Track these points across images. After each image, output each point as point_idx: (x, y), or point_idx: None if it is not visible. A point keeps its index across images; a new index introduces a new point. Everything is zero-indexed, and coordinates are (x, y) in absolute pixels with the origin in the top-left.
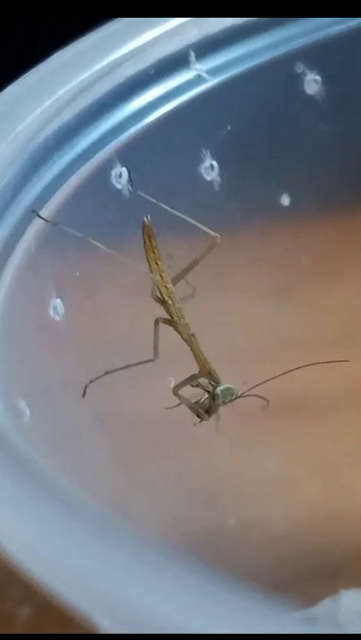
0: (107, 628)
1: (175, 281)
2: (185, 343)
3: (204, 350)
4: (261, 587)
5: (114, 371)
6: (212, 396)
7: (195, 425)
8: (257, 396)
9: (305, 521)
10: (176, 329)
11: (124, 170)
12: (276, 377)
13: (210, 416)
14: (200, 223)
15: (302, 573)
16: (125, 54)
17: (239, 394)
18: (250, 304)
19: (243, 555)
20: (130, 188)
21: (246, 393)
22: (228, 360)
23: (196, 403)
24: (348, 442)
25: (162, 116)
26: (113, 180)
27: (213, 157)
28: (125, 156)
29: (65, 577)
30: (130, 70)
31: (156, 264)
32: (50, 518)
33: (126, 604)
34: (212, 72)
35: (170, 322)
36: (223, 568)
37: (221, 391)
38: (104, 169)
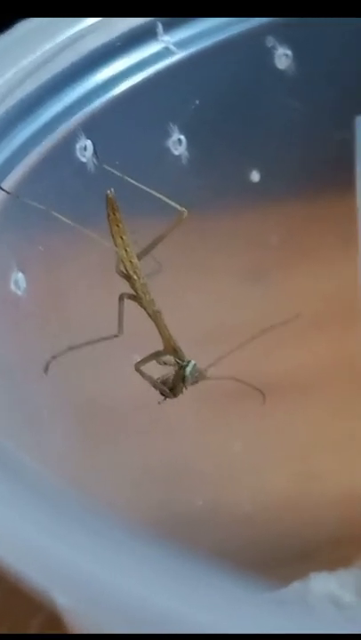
0: (65, 605)
1: (140, 256)
2: (150, 320)
3: (169, 328)
4: (229, 568)
5: (77, 347)
6: (182, 376)
7: (159, 403)
8: (228, 378)
9: (274, 504)
10: (141, 305)
11: (89, 143)
12: (231, 352)
13: (175, 395)
14: (167, 198)
15: (272, 556)
16: (91, 25)
17: (207, 375)
18: (218, 283)
19: (211, 537)
20: (95, 162)
21: (215, 375)
22: (195, 339)
23: (162, 381)
24: (318, 425)
25: (128, 88)
26: (78, 154)
27: (181, 132)
28: (91, 128)
29: (25, 555)
30: (96, 42)
31: (121, 238)
32: (9, 497)
33: (86, 581)
34: (180, 45)
35: (135, 297)
36: (189, 549)
37: (190, 371)
38: (68, 142)
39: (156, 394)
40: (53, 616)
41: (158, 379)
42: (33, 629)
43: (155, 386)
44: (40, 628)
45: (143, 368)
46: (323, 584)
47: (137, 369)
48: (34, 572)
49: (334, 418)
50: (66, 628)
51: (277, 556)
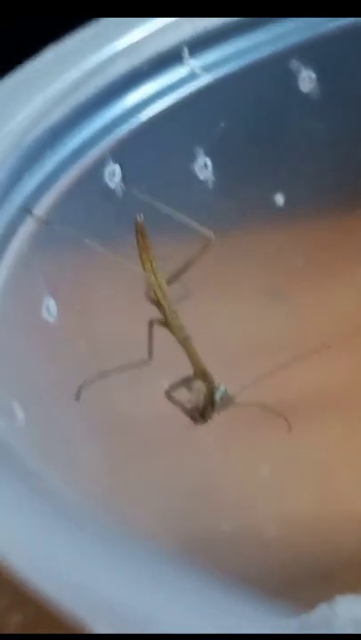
0: (98, 629)
1: (170, 282)
2: (179, 345)
3: (198, 352)
4: (255, 592)
5: (107, 373)
6: (211, 401)
7: (187, 428)
8: (256, 405)
9: (298, 526)
10: (170, 330)
11: (117, 168)
12: (260, 379)
13: (206, 420)
14: (194, 222)
15: (296, 579)
16: (119, 51)
17: (236, 400)
18: (244, 305)
19: (236, 559)
20: (123, 187)
21: (243, 401)
22: (224, 362)
23: (192, 407)
24: (342, 446)
25: (155, 113)
26: (106, 179)
27: (207, 155)
28: (118, 153)
29: (58, 582)
30: (123, 67)
31: (150, 264)
32: (44, 522)
33: (120, 608)
34: (206, 68)
35: (164, 323)
36: (217, 573)
37: (220, 396)
38: (97, 167)
39: (184, 418)
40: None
41: (188, 404)
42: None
43: (185, 411)
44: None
45: (173, 394)
46: (349, 608)
47: (167, 396)
48: (68, 600)
49: (357, 437)
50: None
51: (303, 577)
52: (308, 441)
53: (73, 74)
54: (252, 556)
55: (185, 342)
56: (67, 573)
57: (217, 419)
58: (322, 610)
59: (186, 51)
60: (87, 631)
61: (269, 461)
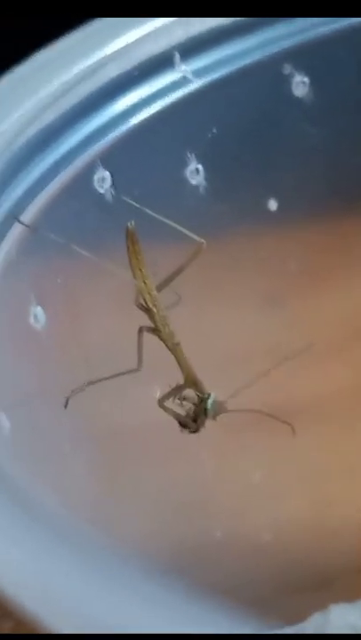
0: None
1: (160, 288)
2: (169, 352)
3: (189, 359)
4: (248, 598)
5: (96, 381)
6: (203, 409)
7: (181, 431)
8: (250, 410)
9: (292, 533)
10: (160, 337)
11: (107, 174)
12: (250, 384)
13: (198, 429)
14: (185, 228)
15: (290, 585)
16: (109, 55)
17: (228, 407)
18: (236, 311)
19: (229, 567)
20: (113, 193)
21: (237, 407)
22: (214, 369)
23: (185, 415)
24: (336, 452)
25: (146, 118)
26: (95, 185)
27: (199, 161)
28: (108, 159)
29: (41, 596)
30: (113, 71)
31: (140, 270)
32: (28, 535)
33: (105, 625)
34: (198, 73)
35: (154, 330)
36: (209, 580)
37: (211, 404)
38: (86, 173)
39: (175, 426)
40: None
41: (180, 412)
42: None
43: (178, 420)
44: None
45: (165, 402)
46: (342, 615)
47: (160, 405)
48: (47, 611)
49: (353, 443)
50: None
51: (297, 585)
52: (303, 447)
53: (63, 78)
54: (247, 562)
55: (175, 349)
56: (50, 588)
57: (209, 426)
58: (315, 619)
59: (177, 55)
60: None
61: (263, 468)
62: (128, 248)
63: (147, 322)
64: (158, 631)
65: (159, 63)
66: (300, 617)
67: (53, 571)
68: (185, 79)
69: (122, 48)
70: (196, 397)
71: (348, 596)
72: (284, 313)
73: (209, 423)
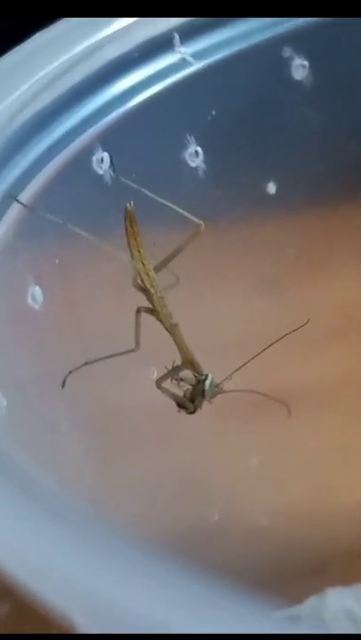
0: (84, 626)
1: (158, 269)
2: (167, 333)
3: (186, 340)
4: (245, 584)
5: (94, 361)
6: (200, 390)
7: (178, 411)
8: (249, 391)
9: (290, 517)
10: (158, 318)
11: (105, 155)
12: (244, 364)
13: (195, 410)
14: (184, 210)
15: (287, 570)
16: (108, 36)
17: (224, 388)
18: (234, 294)
19: (226, 551)
20: (112, 174)
21: (235, 388)
22: (212, 351)
23: (182, 396)
24: (335, 437)
25: (145, 100)
26: (94, 166)
27: (198, 143)
28: (107, 140)
29: (41, 574)
30: (113, 53)
31: (138, 251)
32: (25, 514)
33: (105, 603)
34: (197, 56)
35: (152, 311)
36: (206, 565)
37: (209, 386)
38: (85, 154)
39: (173, 407)
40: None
41: (178, 393)
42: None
43: (176, 401)
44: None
45: (163, 384)
46: (339, 599)
47: (158, 385)
48: (46, 589)
49: (350, 429)
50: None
51: (293, 569)
52: (301, 432)
53: (63, 59)
54: (244, 547)
55: (173, 330)
56: (49, 566)
57: (207, 408)
58: (311, 602)
59: (177, 37)
60: (69, 622)
61: (261, 452)
62: (126, 229)
63: (145, 302)
64: (158, 609)
65: (159, 45)
66: (297, 601)
67: (52, 550)
68: (184, 61)
69: (121, 29)
70: (194, 378)
71: (345, 580)
72: (282, 297)
73: (207, 406)
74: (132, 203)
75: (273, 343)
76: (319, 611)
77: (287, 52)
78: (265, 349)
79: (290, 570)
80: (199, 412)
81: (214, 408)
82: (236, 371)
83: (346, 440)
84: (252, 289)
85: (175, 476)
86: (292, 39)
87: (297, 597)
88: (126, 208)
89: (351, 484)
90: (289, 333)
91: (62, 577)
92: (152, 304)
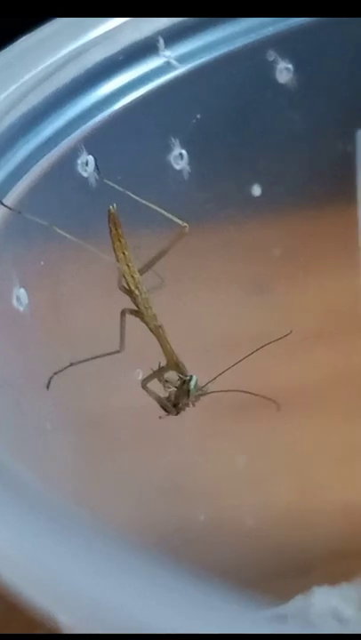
0: (66, 624)
1: (143, 271)
2: (152, 334)
3: (171, 342)
4: (231, 584)
5: (79, 362)
6: (185, 391)
7: (160, 418)
8: (236, 390)
9: (276, 517)
10: (143, 320)
11: (90, 158)
12: (229, 368)
13: (179, 411)
14: (169, 213)
15: (274, 570)
16: (93, 39)
17: (208, 389)
18: (220, 296)
19: (212, 551)
20: (97, 177)
21: (221, 388)
22: (197, 354)
23: (166, 398)
24: (321, 438)
25: (130, 103)
26: (79, 168)
27: (183, 146)
28: (92, 143)
29: (25, 574)
30: (98, 56)
31: (123, 254)
32: (11, 516)
33: (90, 603)
34: (182, 59)
35: (137, 313)
36: (192, 565)
37: (194, 387)
38: (70, 156)
39: (158, 409)
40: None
41: (163, 395)
42: None
43: (160, 403)
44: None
45: (149, 385)
46: (325, 598)
47: (143, 386)
48: (33, 590)
49: (336, 430)
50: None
51: (280, 569)
52: (287, 433)
53: (47, 62)
54: (230, 547)
55: (157, 331)
56: (34, 567)
57: (194, 409)
58: (298, 601)
59: (161, 41)
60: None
61: (247, 453)
62: (111, 231)
63: (130, 304)
64: (144, 609)
65: (143, 49)
66: (284, 601)
67: (38, 550)
68: (169, 65)
69: (107, 32)
70: (179, 379)
71: (331, 580)
72: (267, 299)
73: (193, 407)
74: (115, 205)
75: (255, 351)
76: (305, 610)
77: (271, 55)
78: (248, 355)
79: (276, 570)
80: (185, 413)
81: (200, 409)
82: (220, 374)
83: (332, 440)
84: (238, 290)
85: (161, 476)
86: (276, 42)
87: (283, 597)
88: (109, 210)
89: (337, 484)
90: (270, 343)
91: (47, 577)
92: (137, 306)
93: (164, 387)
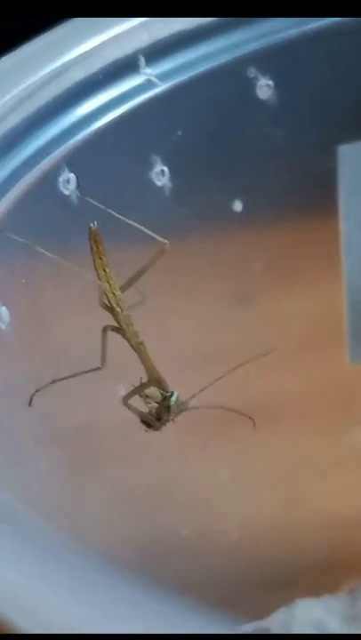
0: None
1: (124, 288)
2: (134, 351)
3: (153, 358)
4: (214, 597)
5: (61, 379)
6: (166, 407)
7: (146, 431)
8: (214, 407)
9: (259, 531)
10: (124, 337)
11: (72, 176)
12: (210, 385)
13: (160, 427)
14: (151, 229)
15: (257, 583)
16: (74, 58)
17: (190, 405)
18: (202, 311)
19: (195, 565)
20: (78, 194)
21: (201, 404)
22: (179, 369)
23: (148, 413)
24: (303, 451)
25: (111, 121)
26: (61, 186)
27: (164, 163)
28: (74, 161)
29: (5, 596)
30: (78, 75)
31: (104, 271)
32: None
33: (62, 622)
34: (163, 77)
35: (118, 329)
36: (175, 578)
37: (175, 402)
38: (52, 175)
39: (140, 424)
40: None
41: (144, 410)
42: None
43: (142, 418)
44: None
45: (129, 401)
46: (308, 610)
47: (124, 403)
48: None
49: (318, 442)
50: None
51: (263, 582)
52: (270, 445)
53: (28, 81)
54: (213, 560)
55: (139, 348)
56: (13, 588)
57: (174, 424)
58: (281, 614)
59: (142, 59)
60: None
61: (229, 466)
62: (92, 249)
63: (111, 321)
64: (122, 629)
65: (124, 67)
66: (266, 614)
67: (16, 570)
68: (150, 82)
69: (87, 51)
70: (160, 395)
71: (315, 592)
72: (251, 312)
73: (178, 422)
74: (95, 223)
75: (237, 367)
76: (288, 622)
77: (252, 72)
78: (231, 371)
79: (259, 582)
80: (166, 429)
81: (182, 424)
82: (203, 390)
83: (314, 452)
84: (221, 303)
85: (143, 491)
86: (256, 59)
87: (266, 610)
88: (90, 228)
89: (319, 496)
90: (252, 359)
91: (20, 594)
92: (118, 323)
93: (146, 402)
